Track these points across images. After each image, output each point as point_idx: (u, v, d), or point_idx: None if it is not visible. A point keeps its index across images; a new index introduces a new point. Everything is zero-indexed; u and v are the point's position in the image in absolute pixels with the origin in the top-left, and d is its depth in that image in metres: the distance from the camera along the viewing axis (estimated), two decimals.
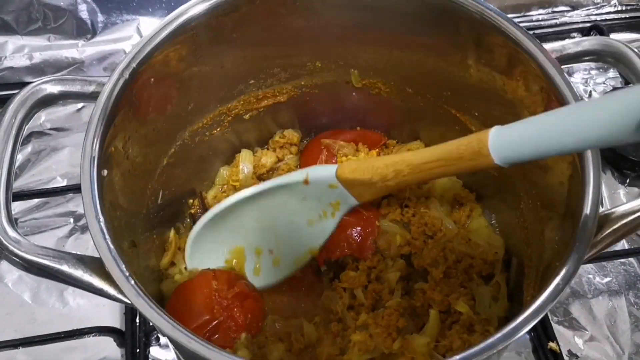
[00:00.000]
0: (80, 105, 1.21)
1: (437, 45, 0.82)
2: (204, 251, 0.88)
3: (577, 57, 0.73)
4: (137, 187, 0.79)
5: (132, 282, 0.57)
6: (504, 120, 0.81)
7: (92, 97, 0.70)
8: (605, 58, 0.72)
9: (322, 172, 0.84)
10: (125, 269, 0.58)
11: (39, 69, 1.21)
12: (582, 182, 0.62)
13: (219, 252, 0.89)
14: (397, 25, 0.83)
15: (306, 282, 0.90)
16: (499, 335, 0.55)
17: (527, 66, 0.72)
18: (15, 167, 1.10)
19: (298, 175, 0.85)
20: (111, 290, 0.60)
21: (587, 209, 0.61)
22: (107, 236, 0.60)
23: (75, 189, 1.07)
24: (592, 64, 1.30)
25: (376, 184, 0.80)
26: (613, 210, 0.63)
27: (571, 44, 0.73)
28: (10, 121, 0.66)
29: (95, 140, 0.65)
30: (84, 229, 1.07)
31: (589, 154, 0.63)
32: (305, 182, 0.84)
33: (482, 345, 0.54)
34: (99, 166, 0.65)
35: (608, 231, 0.62)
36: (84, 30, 1.23)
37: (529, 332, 0.94)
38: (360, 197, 0.84)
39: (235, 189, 0.96)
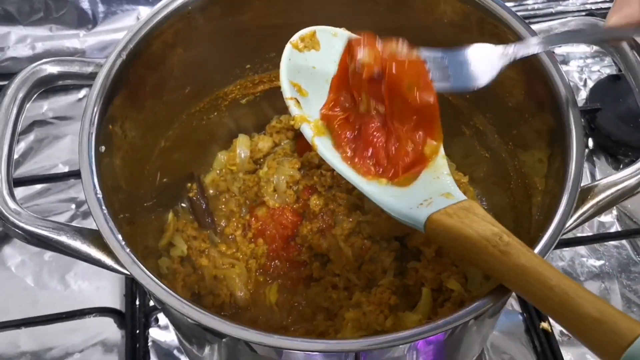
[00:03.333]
0: (82, 94, 1.23)
1: (430, 31, 0.84)
2: None
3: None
4: (135, 168, 0.81)
5: (128, 250, 0.59)
6: (492, 102, 0.84)
7: (91, 77, 0.72)
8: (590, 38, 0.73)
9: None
10: (121, 239, 0.60)
11: (41, 59, 1.21)
12: (565, 155, 0.64)
13: None
14: (391, 10, 0.84)
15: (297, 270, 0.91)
16: (476, 303, 0.57)
17: None
18: (18, 154, 1.15)
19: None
20: (108, 261, 0.62)
21: (570, 180, 0.62)
22: (104, 207, 0.62)
23: (77, 174, 1.09)
24: (588, 52, 1.31)
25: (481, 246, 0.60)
26: (596, 183, 0.65)
27: (558, 25, 0.74)
28: (12, 99, 0.68)
29: (94, 117, 0.68)
30: (86, 214, 1.10)
31: (572, 128, 0.65)
32: None
33: (460, 312, 0.56)
34: (97, 142, 0.67)
35: (590, 203, 0.63)
36: (85, 20, 1.26)
37: (521, 313, 0.96)
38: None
39: (233, 174, 0.98)
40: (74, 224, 1.07)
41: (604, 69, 1.29)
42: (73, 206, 1.10)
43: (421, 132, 0.73)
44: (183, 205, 0.97)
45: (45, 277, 1.02)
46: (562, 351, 0.91)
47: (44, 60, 0.72)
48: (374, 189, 0.73)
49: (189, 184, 0.97)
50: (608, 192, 0.64)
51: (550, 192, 0.68)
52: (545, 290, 0.54)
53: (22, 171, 1.14)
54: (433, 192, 0.70)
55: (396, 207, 0.70)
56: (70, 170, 1.12)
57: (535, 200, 0.74)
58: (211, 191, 0.98)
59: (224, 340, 0.61)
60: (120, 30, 1.24)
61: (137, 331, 0.94)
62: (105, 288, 1.01)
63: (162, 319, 0.97)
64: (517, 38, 0.74)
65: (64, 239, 0.62)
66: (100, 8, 1.25)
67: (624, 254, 1.04)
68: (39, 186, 1.11)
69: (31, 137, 1.19)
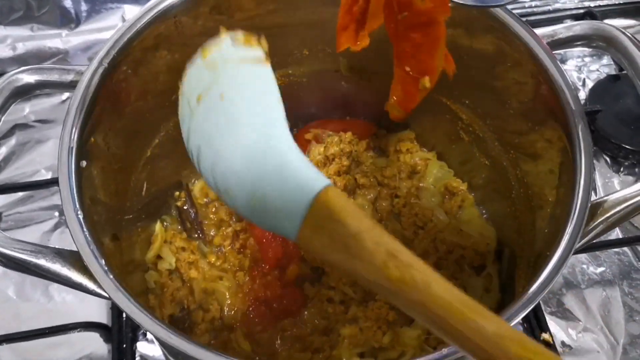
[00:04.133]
0: (64, 96, 1.19)
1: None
2: None
3: (568, 42, 0.72)
4: (120, 179, 0.77)
5: (111, 276, 0.56)
6: (493, 109, 0.81)
7: (71, 86, 0.68)
8: (596, 42, 0.70)
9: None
10: (104, 263, 0.56)
11: (23, 60, 1.19)
12: (573, 170, 0.61)
13: None
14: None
15: (285, 299, 0.86)
16: None
17: (518, 52, 0.71)
18: None
19: None
20: (90, 285, 0.58)
21: (579, 198, 0.60)
22: (85, 229, 0.58)
23: None
24: (586, 51, 1.28)
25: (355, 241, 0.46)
26: (605, 198, 0.62)
27: (562, 29, 0.71)
28: None
29: (74, 130, 0.64)
30: None
31: (580, 141, 0.62)
32: None
33: None
34: (78, 157, 0.63)
35: (600, 219, 0.61)
36: (68, 20, 1.21)
37: (521, 323, 0.93)
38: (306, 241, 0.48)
39: None
40: (57, 232, 1.05)
41: (603, 68, 1.27)
42: (56, 214, 1.06)
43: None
44: (171, 214, 0.93)
45: (28, 289, 0.99)
46: None
47: (22, 68, 0.68)
48: None
49: (177, 193, 0.94)
50: (618, 209, 0.61)
51: (558, 207, 0.66)
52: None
53: (3, 177, 1.10)
54: None
55: None
56: (53, 177, 1.07)
57: (543, 213, 0.71)
58: (200, 200, 0.94)
59: None
60: (104, 30, 1.20)
61: (124, 345, 0.91)
62: (90, 300, 0.96)
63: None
64: (519, 41, 0.71)
65: (42, 262, 0.59)
66: (84, 7, 1.20)
67: (626, 260, 1.02)
68: (20, 193, 1.07)
69: (12, 141, 1.14)
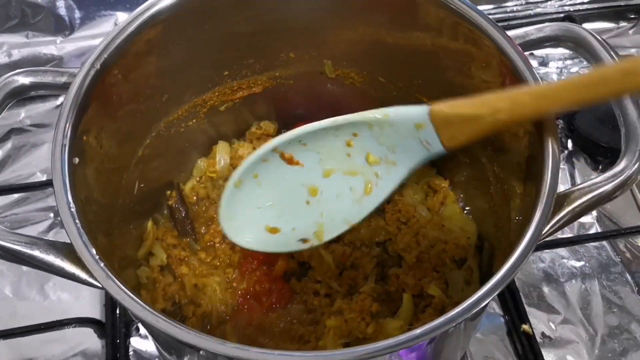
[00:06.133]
0: (59, 101, 1.22)
1: (405, 33, 0.84)
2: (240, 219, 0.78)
3: (539, 42, 0.75)
4: (112, 178, 0.80)
5: (102, 264, 0.58)
6: None
7: (64, 88, 0.71)
8: (566, 43, 0.73)
9: (409, 110, 0.73)
10: (95, 253, 0.59)
11: (18, 66, 1.18)
12: (541, 162, 0.64)
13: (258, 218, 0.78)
14: (367, 12, 0.84)
15: (274, 293, 0.89)
16: (456, 311, 0.57)
17: (489, 52, 0.73)
18: None
19: (374, 113, 0.76)
20: (82, 275, 0.61)
21: (545, 188, 0.62)
22: (77, 220, 0.61)
23: None
24: (567, 54, 1.32)
25: (482, 119, 0.65)
26: (572, 189, 0.65)
27: (533, 30, 0.75)
28: None
29: (67, 128, 0.66)
30: None
31: (548, 133, 0.65)
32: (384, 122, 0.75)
33: (441, 319, 0.56)
34: (70, 154, 0.66)
35: (567, 209, 0.63)
36: (62, 27, 1.24)
37: (502, 315, 0.96)
38: (452, 139, 0.69)
39: (213, 181, 0.98)
40: (52, 232, 1.07)
41: (583, 69, 1.30)
42: (51, 215, 1.09)
43: None
44: (163, 213, 0.96)
45: (24, 287, 1.01)
46: (543, 353, 0.91)
47: (17, 70, 0.71)
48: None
49: (169, 192, 0.96)
50: (584, 199, 0.64)
51: (528, 196, 0.69)
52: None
53: None
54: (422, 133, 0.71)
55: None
56: (48, 179, 1.10)
57: (514, 204, 0.74)
58: (191, 199, 0.97)
59: (201, 352, 0.60)
60: (98, 37, 1.23)
61: (118, 341, 0.93)
62: (84, 298, 1.00)
63: (143, 328, 0.96)
64: (492, 43, 0.74)
65: (36, 253, 0.61)
66: (77, 14, 1.24)
67: (604, 254, 1.05)
68: (16, 195, 1.10)
69: (8, 145, 1.17)
